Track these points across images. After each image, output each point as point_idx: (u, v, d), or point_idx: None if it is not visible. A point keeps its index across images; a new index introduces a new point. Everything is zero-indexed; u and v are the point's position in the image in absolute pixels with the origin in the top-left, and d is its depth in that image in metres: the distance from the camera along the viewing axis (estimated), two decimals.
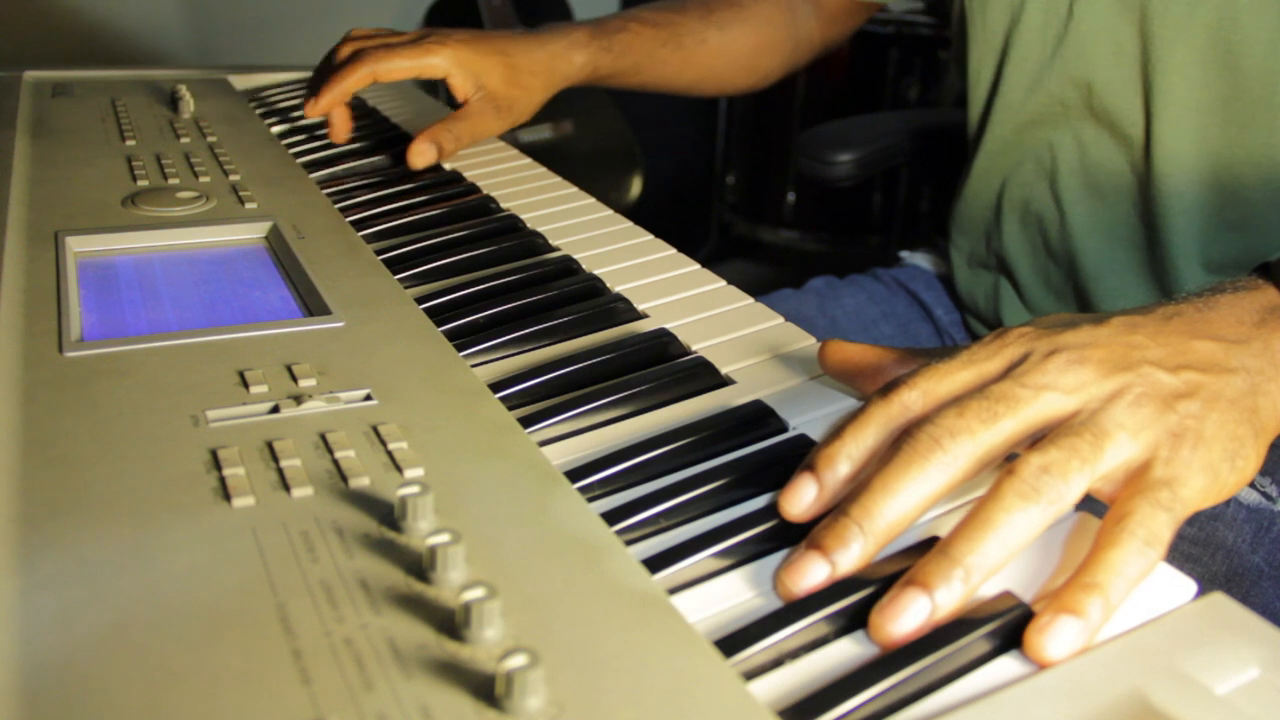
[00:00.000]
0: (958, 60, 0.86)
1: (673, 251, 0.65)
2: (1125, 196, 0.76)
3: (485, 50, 0.81)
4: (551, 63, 0.85)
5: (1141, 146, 0.73)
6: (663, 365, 0.51)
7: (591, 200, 0.74)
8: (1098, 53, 0.73)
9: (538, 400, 0.49)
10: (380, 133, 0.90)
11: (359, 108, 0.98)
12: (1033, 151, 0.80)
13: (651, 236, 0.67)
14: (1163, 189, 0.72)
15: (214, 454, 0.39)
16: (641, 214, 0.77)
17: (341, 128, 0.84)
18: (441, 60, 0.79)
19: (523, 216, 0.71)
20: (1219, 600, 0.35)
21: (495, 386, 0.48)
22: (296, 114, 0.94)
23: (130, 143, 0.79)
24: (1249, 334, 0.44)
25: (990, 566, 0.35)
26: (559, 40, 0.86)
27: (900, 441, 0.38)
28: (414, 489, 0.36)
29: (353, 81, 0.78)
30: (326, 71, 0.81)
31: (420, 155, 0.79)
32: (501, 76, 0.82)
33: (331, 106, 0.79)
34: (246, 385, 0.45)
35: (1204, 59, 0.68)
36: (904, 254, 1.01)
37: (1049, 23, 0.75)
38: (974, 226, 0.87)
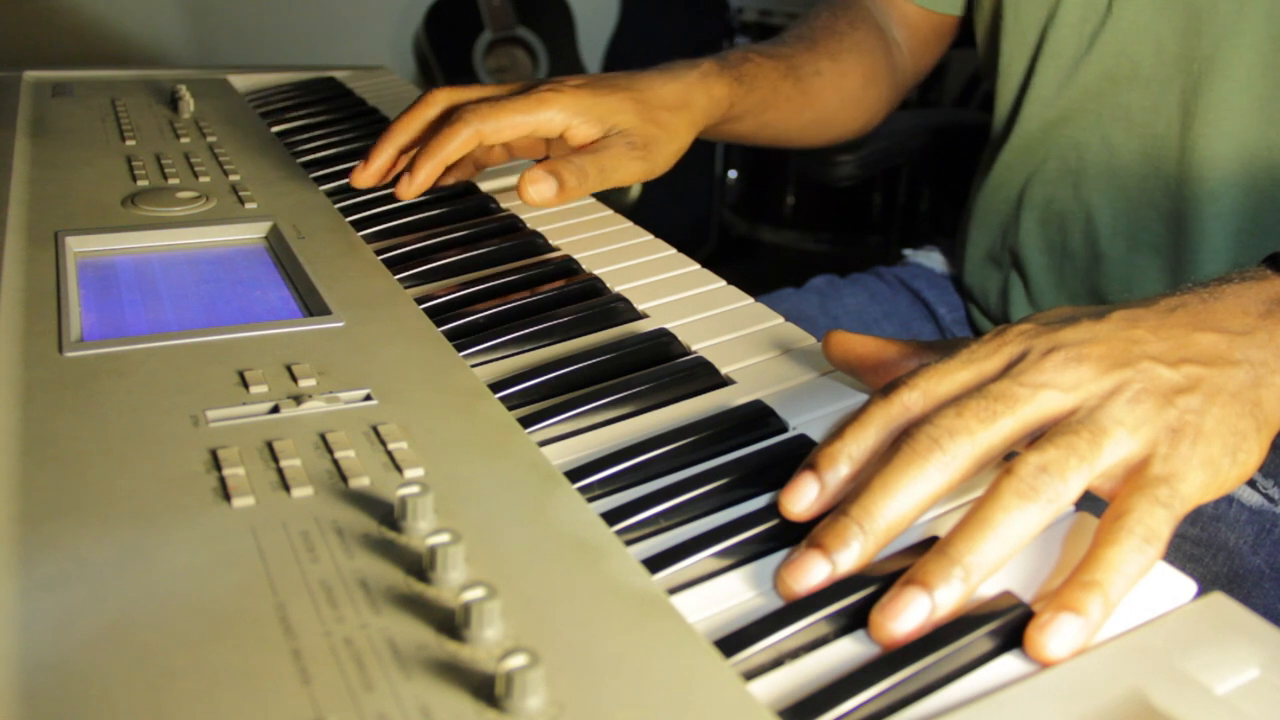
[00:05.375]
0: (986, 55, 0.85)
1: (673, 251, 0.65)
2: (1152, 200, 0.74)
3: (607, 89, 0.69)
4: (689, 95, 0.73)
5: (1176, 148, 0.71)
6: (663, 365, 0.51)
7: (591, 200, 0.74)
8: (1136, 50, 0.71)
9: (538, 400, 0.49)
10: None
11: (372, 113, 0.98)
12: (1058, 150, 0.78)
13: (651, 236, 0.67)
14: (1196, 192, 0.70)
15: (214, 454, 0.39)
16: (641, 214, 0.76)
17: (424, 187, 0.67)
18: (558, 111, 0.66)
19: (522, 216, 0.71)
20: (1219, 600, 0.35)
21: (495, 386, 0.48)
22: (293, 115, 0.94)
23: (130, 143, 0.79)
24: (1254, 325, 0.43)
25: (989, 565, 0.35)
26: (690, 72, 0.74)
27: (900, 442, 0.38)
28: (414, 489, 0.36)
29: (456, 148, 0.64)
30: (413, 133, 0.68)
31: (535, 187, 0.63)
32: (633, 112, 0.69)
33: (431, 181, 0.66)
34: (246, 385, 0.45)
35: (1250, 59, 0.67)
36: (907, 252, 1.00)
37: (1086, 18, 0.74)
38: (991, 222, 0.86)
